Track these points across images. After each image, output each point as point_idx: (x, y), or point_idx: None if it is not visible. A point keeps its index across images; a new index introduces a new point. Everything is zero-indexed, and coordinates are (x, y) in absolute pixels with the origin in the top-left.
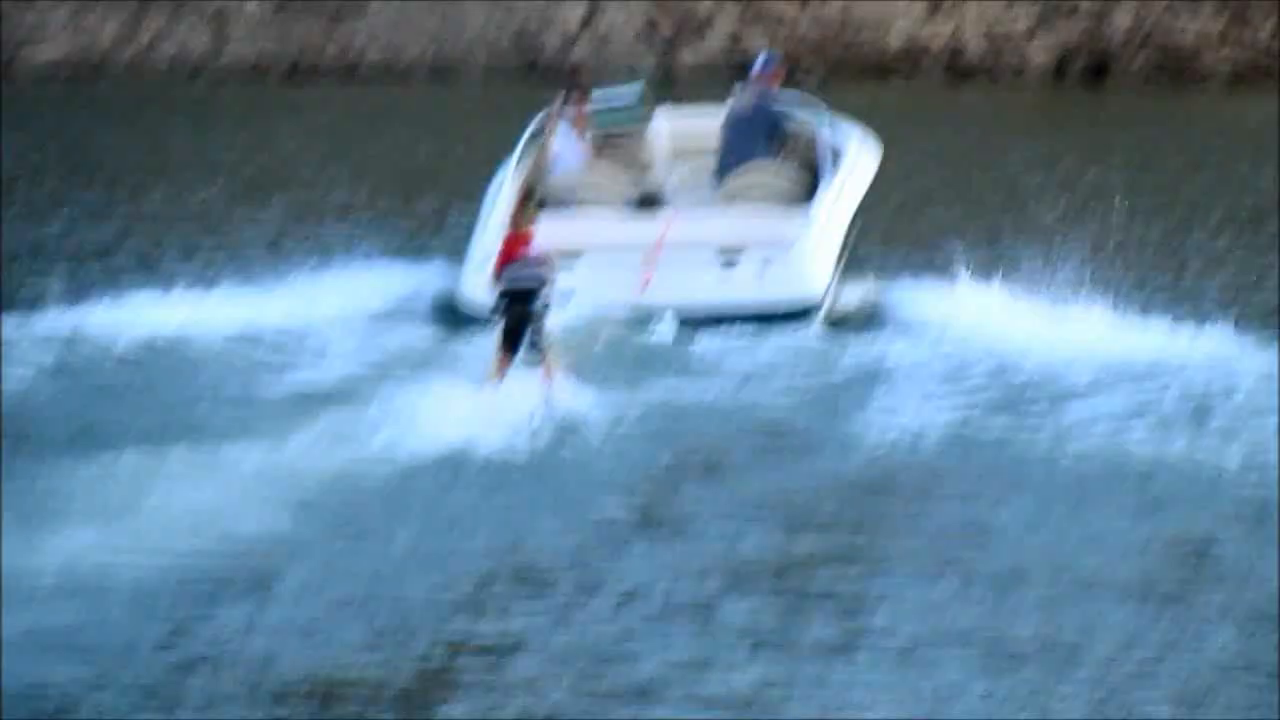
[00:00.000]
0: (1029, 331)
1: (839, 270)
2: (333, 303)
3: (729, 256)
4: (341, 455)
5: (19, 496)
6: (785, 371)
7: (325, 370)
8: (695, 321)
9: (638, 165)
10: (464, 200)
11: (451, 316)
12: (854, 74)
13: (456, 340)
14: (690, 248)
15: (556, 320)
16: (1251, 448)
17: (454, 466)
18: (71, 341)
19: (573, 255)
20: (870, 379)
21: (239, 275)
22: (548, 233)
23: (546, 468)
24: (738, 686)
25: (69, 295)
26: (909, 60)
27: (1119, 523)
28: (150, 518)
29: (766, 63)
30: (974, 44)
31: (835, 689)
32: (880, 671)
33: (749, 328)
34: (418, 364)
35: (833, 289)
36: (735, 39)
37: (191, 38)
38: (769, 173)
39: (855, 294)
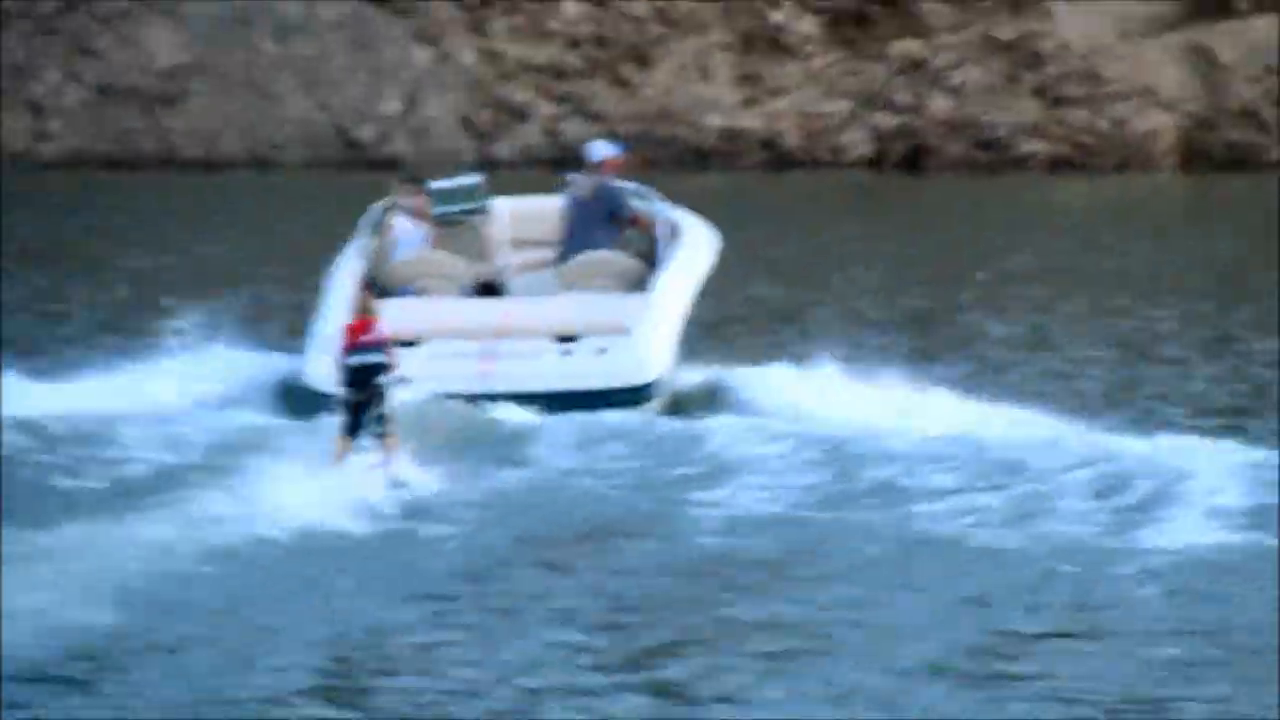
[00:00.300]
0: (863, 414)
1: (677, 355)
2: (169, 389)
3: (566, 343)
4: (185, 539)
5: None
6: (622, 456)
7: (164, 456)
8: (534, 406)
9: (478, 252)
10: (292, 288)
11: (293, 401)
12: (672, 164)
13: (299, 423)
14: (528, 334)
15: (398, 404)
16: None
17: (297, 548)
18: None
19: (413, 341)
20: (707, 463)
21: (75, 362)
22: (388, 318)
23: (387, 548)
24: None
25: None
26: (728, 149)
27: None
28: None
29: (606, 150)
30: (790, 134)
31: None
32: None
33: (586, 412)
34: (260, 447)
35: (671, 373)
36: (552, 131)
37: (12, 126)
38: (609, 259)
39: (694, 378)
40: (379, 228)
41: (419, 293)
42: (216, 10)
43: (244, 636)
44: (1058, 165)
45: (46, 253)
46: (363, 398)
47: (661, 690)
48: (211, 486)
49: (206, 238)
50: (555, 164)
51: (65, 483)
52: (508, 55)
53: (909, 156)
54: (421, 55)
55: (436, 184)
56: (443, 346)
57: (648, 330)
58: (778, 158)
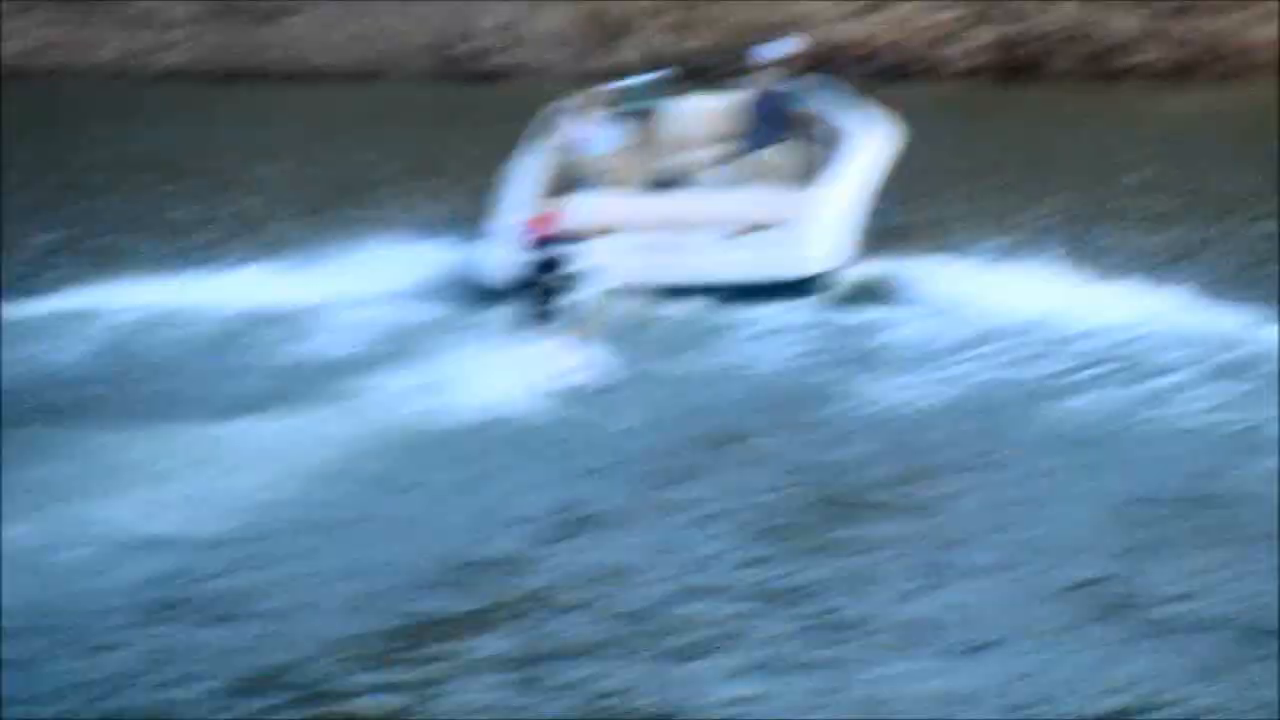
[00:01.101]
0: (1030, 303)
1: (848, 246)
2: (358, 281)
3: (738, 234)
4: (373, 420)
5: (67, 463)
6: (793, 343)
7: (353, 343)
8: (711, 296)
9: (661, 148)
10: (434, 196)
11: (478, 292)
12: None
13: (484, 312)
14: (702, 228)
15: (581, 295)
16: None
17: (480, 431)
18: (93, 319)
19: (595, 234)
20: (873, 350)
21: (257, 257)
22: (572, 213)
23: (569, 432)
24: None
25: (81, 279)
26: (845, 57)
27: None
28: (183, 488)
29: (780, 48)
30: (904, 42)
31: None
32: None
33: (759, 302)
34: (445, 333)
35: (840, 264)
36: (655, 46)
37: (128, 40)
38: (784, 154)
39: (868, 269)
40: (555, 126)
41: (601, 188)
42: None
43: (430, 509)
44: (1167, 75)
45: (179, 163)
46: (548, 288)
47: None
48: (399, 371)
49: (332, 148)
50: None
51: (264, 367)
52: None
53: (1022, 66)
54: None
55: (620, 82)
56: (619, 240)
57: (815, 223)
58: (887, 68)
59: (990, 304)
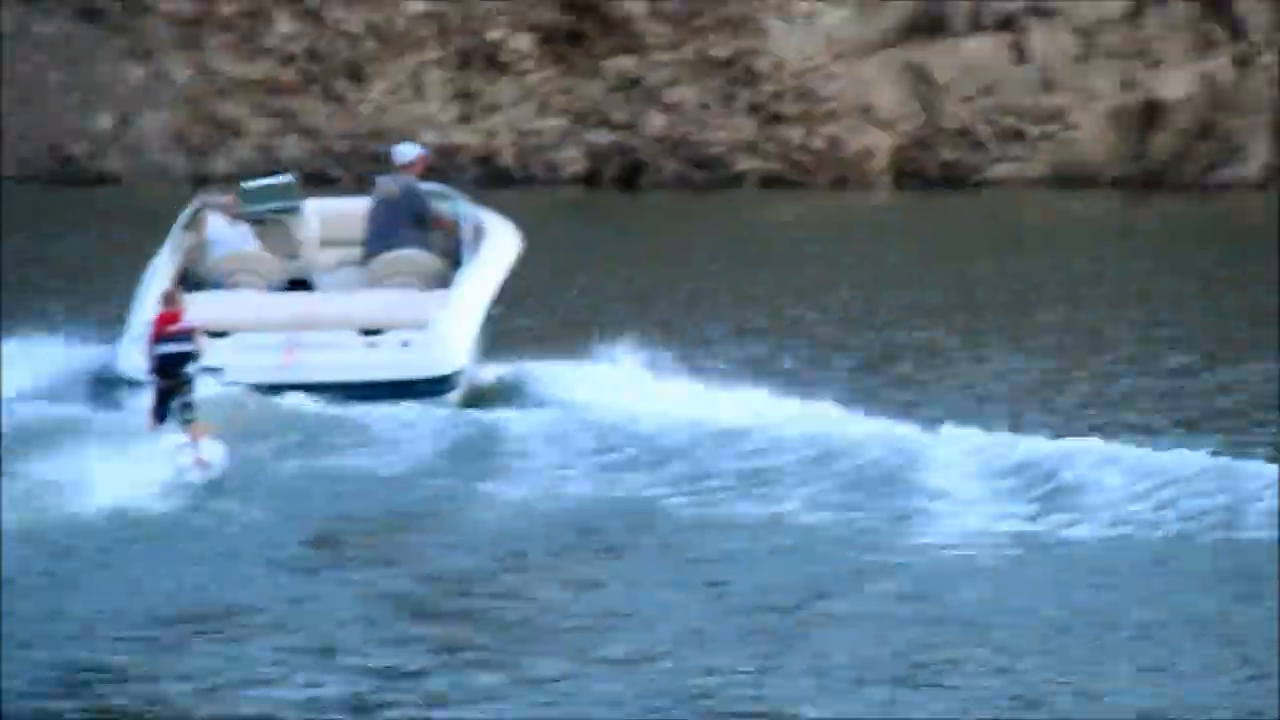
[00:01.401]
0: (646, 405)
1: (478, 348)
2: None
3: (370, 336)
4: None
5: None
6: (413, 445)
7: None
8: (337, 396)
9: (290, 249)
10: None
11: (107, 389)
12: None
13: (112, 411)
14: (333, 327)
15: (205, 393)
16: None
17: (105, 525)
18: None
19: (221, 333)
20: (496, 450)
21: None
22: (199, 311)
23: (193, 527)
24: None
25: None
26: (442, 166)
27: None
28: None
29: (410, 152)
30: (506, 151)
31: None
32: None
33: (388, 402)
34: (73, 433)
35: (471, 366)
36: (266, 148)
37: None
38: (413, 256)
39: (493, 371)
40: (193, 225)
41: (231, 287)
42: None
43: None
44: (771, 183)
45: None
46: (171, 385)
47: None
48: (25, 469)
49: None
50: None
51: None
52: (221, 71)
53: (625, 174)
54: (134, 71)
55: (249, 184)
56: (248, 338)
57: (449, 324)
58: (493, 174)
59: (615, 408)
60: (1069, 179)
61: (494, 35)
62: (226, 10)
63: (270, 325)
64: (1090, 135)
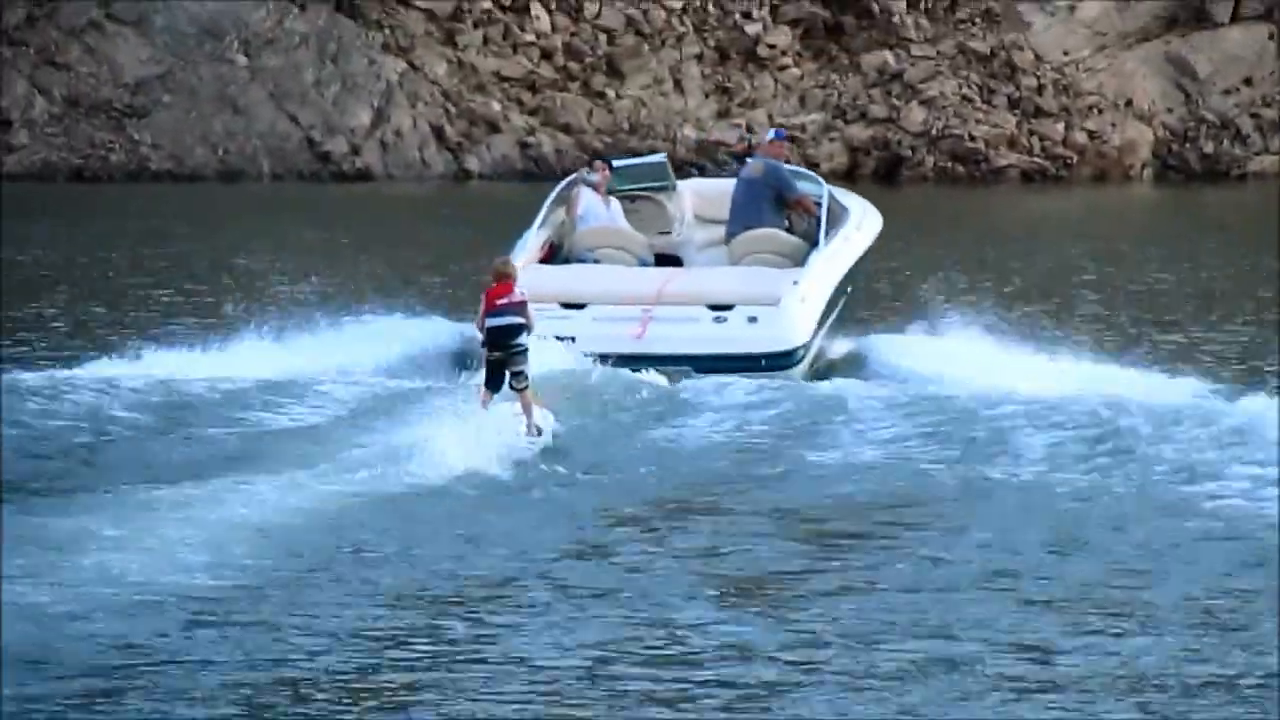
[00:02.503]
0: (985, 375)
1: (826, 324)
2: (346, 355)
3: (720, 311)
4: (345, 487)
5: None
6: (761, 415)
7: (333, 412)
8: (686, 368)
9: (661, 226)
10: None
11: (458, 361)
12: None
13: (460, 380)
14: (685, 302)
15: (553, 362)
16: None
17: (444, 493)
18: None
19: (580, 304)
20: (837, 419)
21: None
22: (559, 283)
23: (528, 498)
24: None
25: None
26: (702, 159)
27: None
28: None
29: (776, 136)
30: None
31: None
32: None
33: (735, 375)
34: (420, 403)
35: (817, 341)
36: (523, 144)
37: None
38: (772, 236)
39: (842, 346)
40: (564, 200)
41: (597, 261)
42: (185, 22)
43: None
44: (1032, 177)
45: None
46: (502, 356)
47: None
48: (370, 439)
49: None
50: (526, 176)
51: (257, 432)
52: (479, 66)
53: (885, 168)
54: (392, 66)
55: (621, 162)
56: (605, 310)
57: (795, 301)
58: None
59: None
60: None
61: (752, 29)
62: (485, 5)
63: (626, 299)
64: None
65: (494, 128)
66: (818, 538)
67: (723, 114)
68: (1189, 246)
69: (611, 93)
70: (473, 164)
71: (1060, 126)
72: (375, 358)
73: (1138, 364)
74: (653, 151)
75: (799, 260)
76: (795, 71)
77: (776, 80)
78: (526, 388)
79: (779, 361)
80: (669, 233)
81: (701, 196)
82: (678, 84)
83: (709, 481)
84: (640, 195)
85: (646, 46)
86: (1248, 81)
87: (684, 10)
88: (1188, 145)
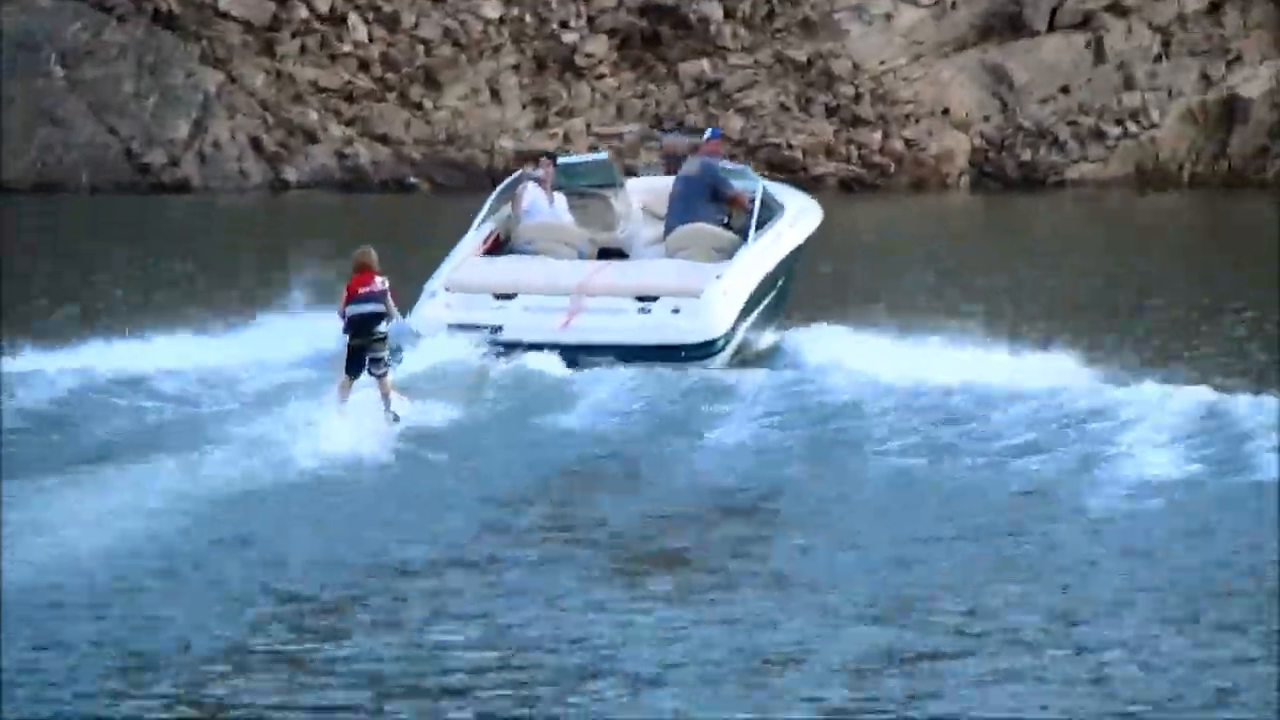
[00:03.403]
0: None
1: (751, 316)
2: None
3: (645, 303)
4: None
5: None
6: (647, 403)
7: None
8: (609, 357)
9: (607, 222)
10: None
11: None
12: (464, 185)
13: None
14: (612, 294)
15: (445, 356)
16: None
17: (299, 476)
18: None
19: (510, 295)
20: (720, 406)
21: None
22: (497, 273)
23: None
24: None
25: None
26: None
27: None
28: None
29: (712, 135)
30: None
31: None
32: None
33: (656, 364)
34: (302, 392)
35: (740, 332)
36: (342, 154)
37: None
38: (706, 230)
39: (766, 337)
40: (510, 196)
41: (537, 254)
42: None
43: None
44: (850, 186)
45: None
46: (361, 343)
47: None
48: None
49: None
50: (344, 186)
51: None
52: (297, 77)
53: None
54: (210, 78)
55: (565, 159)
56: (534, 300)
57: (717, 293)
58: None
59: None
60: (1148, 178)
61: (570, 39)
62: (302, 15)
63: (554, 289)
64: (1170, 134)
65: (312, 138)
66: (666, 520)
67: (540, 124)
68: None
69: (429, 103)
70: (290, 174)
71: (878, 135)
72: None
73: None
74: (471, 162)
75: (732, 254)
76: (613, 81)
77: (594, 90)
78: (386, 374)
79: (698, 352)
80: (614, 228)
81: (652, 194)
82: (495, 94)
83: (571, 471)
84: (588, 192)
85: (464, 57)
86: (1064, 90)
87: (501, 21)
88: (1004, 153)
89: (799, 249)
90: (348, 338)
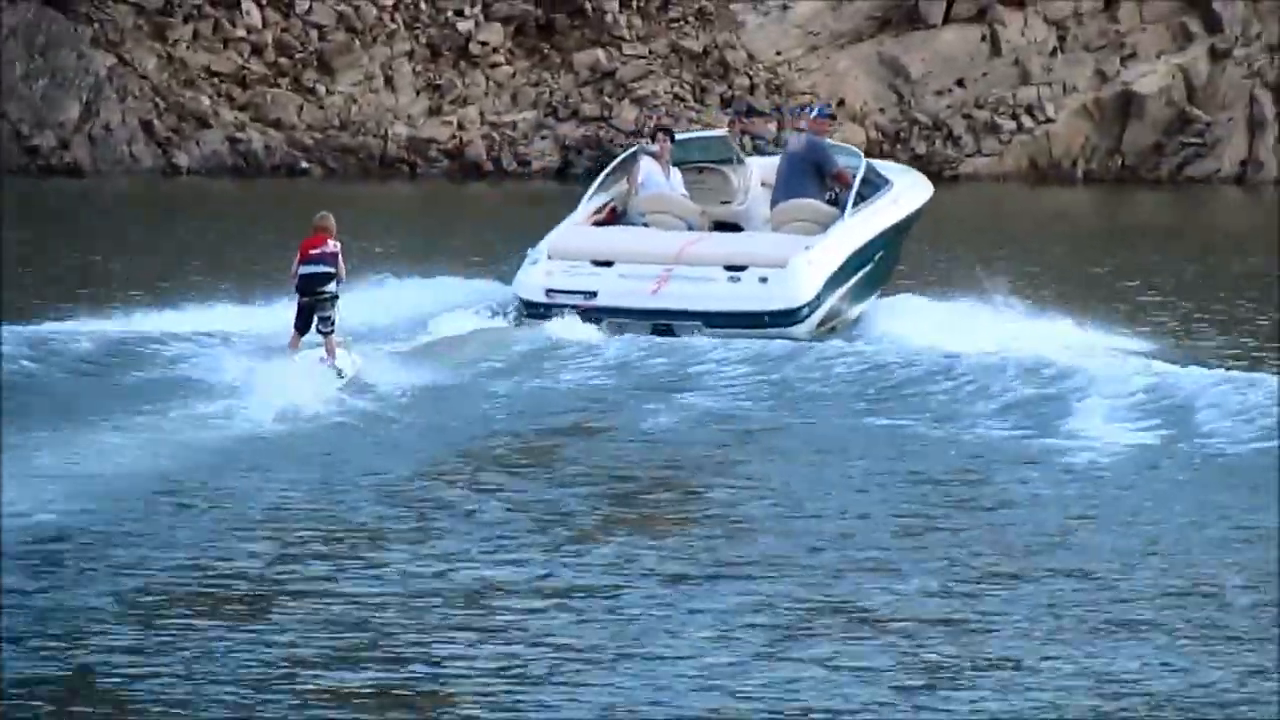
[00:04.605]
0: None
1: (844, 288)
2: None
3: (735, 272)
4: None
5: None
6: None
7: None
8: (697, 323)
9: (724, 196)
10: None
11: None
12: (357, 171)
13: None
14: (706, 264)
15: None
16: None
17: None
18: None
19: (608, 262)
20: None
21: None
22: (595, 242)
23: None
24: None
25: None
26: (412, 159)
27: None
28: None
29: (819, 113)
30: (477, 143)
31: None
32: None
33: (742, 330)
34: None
35: (828, 302)
36: (234, 140)
37: None
38: (808, 205)
39: (854, 309)
40: (626, 169)
41: (649, 225)
42: None
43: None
44: None
45: None
46: (311, 301)
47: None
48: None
49: None
50: (236, 172)
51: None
52: (189, 62)
53: (597, 166)
54: (101, 60)
55: (684, 135)
56: (629, 268)
57: (803, 264)
58: (464, 167)
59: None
60: (1043, 173)
61: (464, 27)
62: (195, 0)
63: (650, 258)
64: (1065, 129)
65: (204, 123)
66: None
67: (434, 111)
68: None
69: (322, 89)
70: (182, 159)
71: (773, 126)
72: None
73: None
74: (364, 148)
75: (828, 228)
76: (507, 69)
77: (489, 78)
78: (332, 332)
79: (782, 319)
80: (730, 202)
81: (771, 170)
82: (389, 81)
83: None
84: (706, 167)
85: (358, 43)
86: (960, 83)
87: (396, 7)
88: (900, 146)
89: (901, 224)
90: (298, 296)
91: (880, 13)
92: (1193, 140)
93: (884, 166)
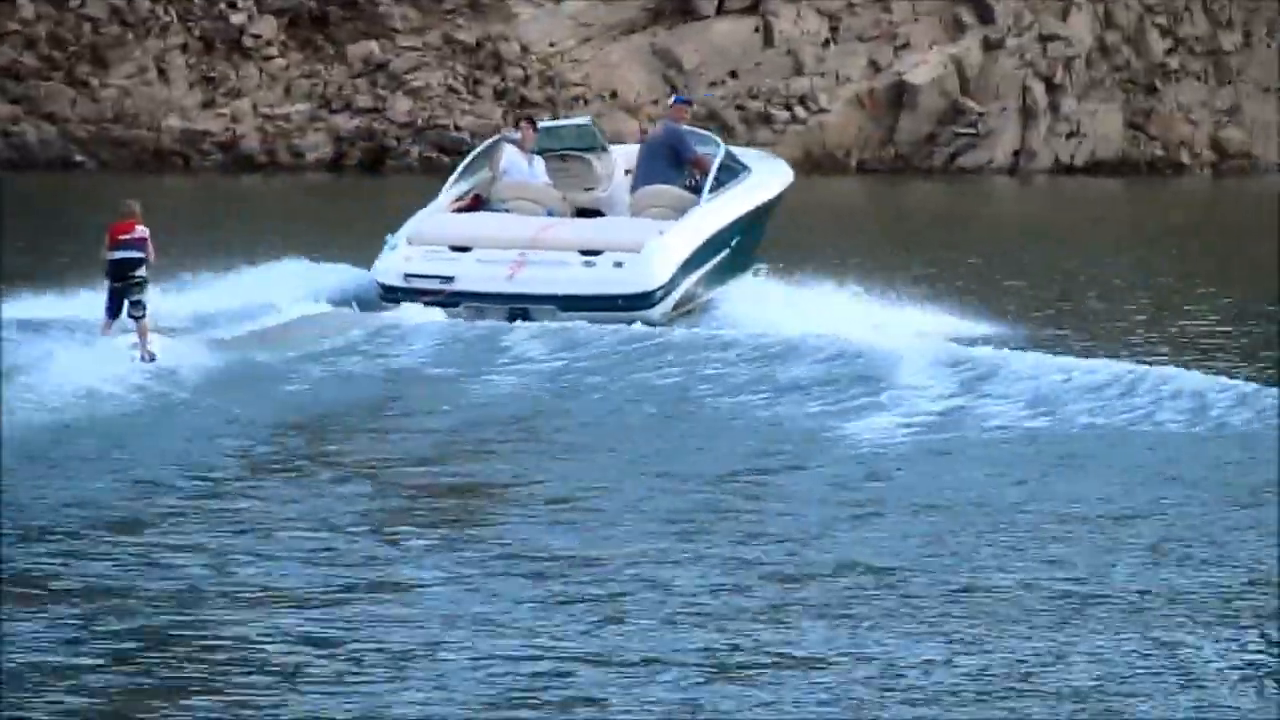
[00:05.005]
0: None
1: (698, 272)
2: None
3: (590, 256)
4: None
5: None
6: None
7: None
8: (551, 306)
9: (587, 184)
10: None
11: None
12: (131, 164)
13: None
14: (560, 249)
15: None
16: None
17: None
18: None
19: (465, 248)
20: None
21: None
22: (454, 228)
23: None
24: None
25: None
26: (185, 151)
27: None
28: None
29: (677, 100)
30: (251, 136)
31: None
32: None
33: (596, 313)
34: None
35: (682, 286)
36: (7, 133)
37: None
38: (666, 191)
39: (710, 292)
40: (489, 157)
41: (509, 211)
42: None
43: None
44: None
45: None
46: (121, 286)
47: None
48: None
49: None
50: (10, 165)
51: None
52: None
53: (370, 159)
54: None
55: (547, 123)
56: (486, 253)
57: (658, 249)
58: (238, 159)
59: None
60: (816, 163)
61: (237, 19)
62: None
63: (506, 243)
64: (838, 119)
65: None
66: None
67: (208, 104)
68: None
69: (96, 82)
70: None
71: (546, 116)
72: None
73: None
74: (138, 141)
75: (683, 213)
76: (281, 61)
77: (262, 70)
78: (143, 316)
79: (636, 302)
80: (594, 189)
81: (634, 158)
82: (162, 73)
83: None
84: (569, 154)
85: (131, 36)
86: (733, 74)
87: (169, 0)
88: None
89: (760, 210)
90: (108, 281)
91: (653, 4)
92: (965, 130)
93: (743, 153)
